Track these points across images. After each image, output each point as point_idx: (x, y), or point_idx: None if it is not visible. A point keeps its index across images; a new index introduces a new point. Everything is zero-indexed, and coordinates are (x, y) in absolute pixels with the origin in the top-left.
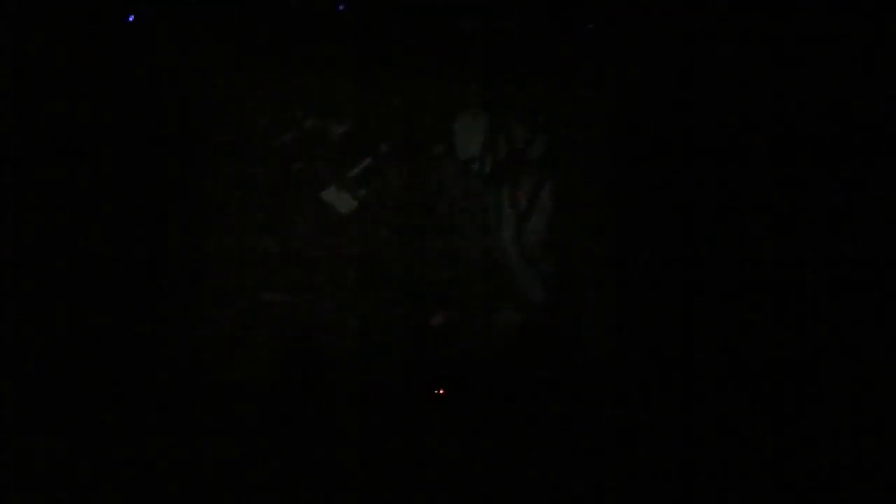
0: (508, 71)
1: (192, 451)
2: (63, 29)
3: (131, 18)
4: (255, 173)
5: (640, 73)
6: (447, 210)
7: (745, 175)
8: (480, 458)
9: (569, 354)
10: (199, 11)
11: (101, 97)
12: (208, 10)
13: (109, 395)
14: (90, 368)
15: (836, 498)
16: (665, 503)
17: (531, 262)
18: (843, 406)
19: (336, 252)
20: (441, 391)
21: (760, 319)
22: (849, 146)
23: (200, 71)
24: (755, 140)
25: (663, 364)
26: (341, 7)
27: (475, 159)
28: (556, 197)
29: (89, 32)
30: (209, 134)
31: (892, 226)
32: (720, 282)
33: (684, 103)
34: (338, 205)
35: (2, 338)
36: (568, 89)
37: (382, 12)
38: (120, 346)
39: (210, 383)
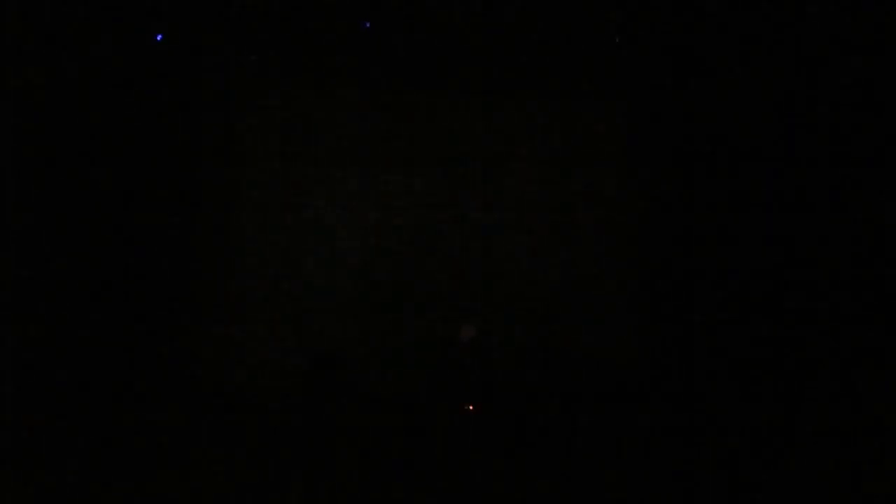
0: (527, 84)
1: (215, 463)
2: (95, 48)
3: (159, 38)
4: (277, 184)
5: (665, 86)
6: (467, 225)
7: (764, 183)
8: (501, 465)
9: (590, 364)
10: (228, 30)
11: (135, 112)
12: (237, 29)
13: (129, 403)
14: (109, 377)
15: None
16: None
17: (551, 274)
18: (843, 406)
19: (358, 266)
20: (471, 406)
21: (774, 322)
22: (870, 153)
23: (230, 87)
24: (776, 149)
25: (681, 370)
26: (367, 24)
27: (493, 170)
28: (577, 208)
29: (119, 51)
30: (233, 147)
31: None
32: (741, 289)
33: (709, 116)
34: (358, 219)
35: (26, 349)
36: (589, 102)
37: (401, 30)
38: (139, 355)
39: (229, 393)
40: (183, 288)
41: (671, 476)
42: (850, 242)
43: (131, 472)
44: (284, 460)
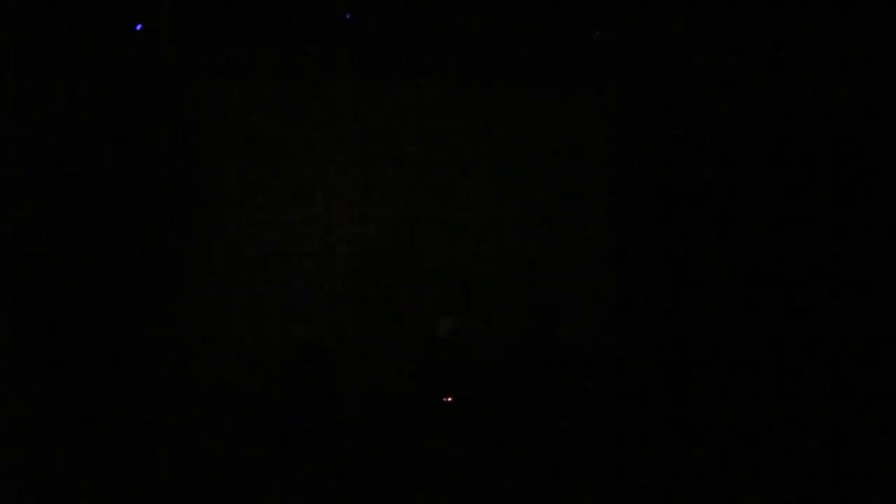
0: (514, 79)
1: (200, 453)
2: (75, 37)
3: (139, 27)
4: (261, 177)
5: (644, 80)
6: (452, 216)
7: (748, 178)
8: (486, 462)
9: (574, 358)
10: (208, 20)
11: (116, 103)
12: (216, 19)
13: (113, 396)
14: (94, 370)
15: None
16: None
17: (535, 268)
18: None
19: (341, 256)
20: (449, 398)
21: (761, 319)
22: (855, 149)
23: (208, 77)
24: (758, 144)
25: (668, 365)
26: (348, 16)
27: (481, 166)
28: (561, 201)
29: (99, 40)
30: (214, 137)
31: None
32: (722, 282)
33: (687, 109)
34: (343, 209)
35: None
36: (572, 97)
37: (384, 21)
38: (124, 348)
39: (215, 387)
40: (167, 284)
41: (657, 472)
42: (846, 237)
43: (118, 466)
44: (267, 454)
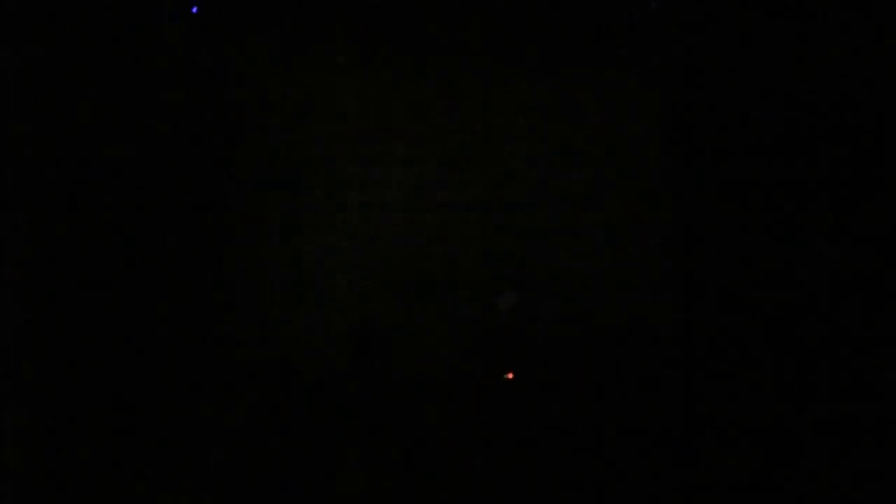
0: (558, 62)
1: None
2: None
3: (195, 10)
4: (310, 172)
5: (702, 54)
6: (511, 196)
7: (821, 160)
8: (545, 442)
9: (632, 342)
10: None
11: (157, 93)
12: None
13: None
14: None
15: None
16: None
17: (591, 249)
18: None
19: (394, 241)
20: (510, 375)
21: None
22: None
23: (257, 70)
24: (834, 122)
25: (726, 351)
26: None
27: (539, 146)
28: (609, 186)
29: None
30: (260, 132)
31: None
32: (787, 269)
33: (747, 91)
34: (400, 193)
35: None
36: (621, 78)
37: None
38: (180, 343)
39: (274, 373)
40: (230, 271)
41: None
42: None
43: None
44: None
